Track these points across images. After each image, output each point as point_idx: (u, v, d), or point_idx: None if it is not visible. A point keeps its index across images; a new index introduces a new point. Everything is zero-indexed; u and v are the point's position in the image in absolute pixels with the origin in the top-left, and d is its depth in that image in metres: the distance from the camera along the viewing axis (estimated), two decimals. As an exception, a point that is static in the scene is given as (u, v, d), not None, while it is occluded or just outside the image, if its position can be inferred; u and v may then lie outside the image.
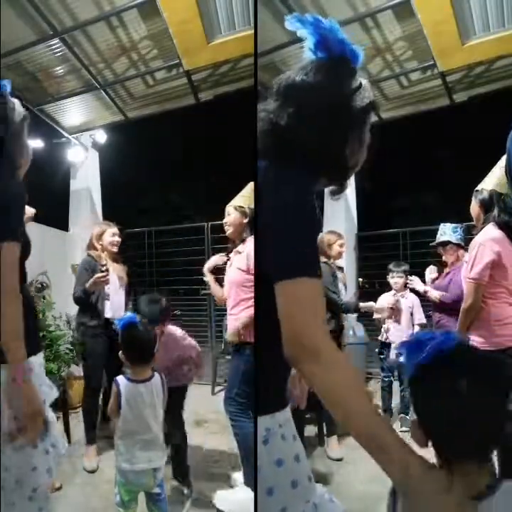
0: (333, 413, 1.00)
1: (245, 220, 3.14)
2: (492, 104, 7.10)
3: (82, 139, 6.79)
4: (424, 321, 4.36)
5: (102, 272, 3.55)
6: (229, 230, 3.20)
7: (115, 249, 3.82)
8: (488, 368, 0.94)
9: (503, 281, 2.48)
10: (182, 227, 7.72)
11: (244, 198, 3.20)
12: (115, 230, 3.84)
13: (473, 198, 2.68)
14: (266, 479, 1.13)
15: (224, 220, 3.23)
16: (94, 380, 3.71)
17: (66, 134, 6.67)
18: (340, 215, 6.90)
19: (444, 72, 5.40)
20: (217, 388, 5.72)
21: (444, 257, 4.07)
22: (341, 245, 4.01)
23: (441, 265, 4.16)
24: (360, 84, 1.16)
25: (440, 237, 4.06)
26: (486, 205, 2.57)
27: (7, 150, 1.64)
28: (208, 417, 4.61)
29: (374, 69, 5.63)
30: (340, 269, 4.16)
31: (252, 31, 4.68)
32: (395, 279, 4.41)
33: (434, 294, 3.86)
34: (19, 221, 1.59)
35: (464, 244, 3.93)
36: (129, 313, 3.85)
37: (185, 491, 3.04)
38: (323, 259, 3.79)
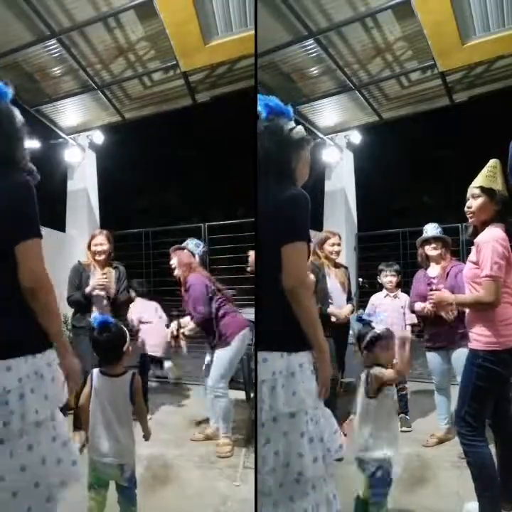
0: (306, 322, 1.82)
1: None
2: (492, 104, 7.10)
3: (79, 139, 6.76)
4: (415, 320, 4.27)
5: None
6: None
7: (97, 257, 3.95)
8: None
9: (507, 281, 2.45)
10: (179, 228, 7.67)
11: None
12: (99, 239, 3.95)
13: (480, 192, 2.50)
14: (311, 391, 1.88)
15: None
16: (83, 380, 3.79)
17: (63, 135, 6.64)
18: (340, 216, 6.89)
19: (444, 72, 5.37)
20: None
21: (429, 252, 3.97)
22: (333, 244, 3.95)
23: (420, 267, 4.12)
24: (295, 126, 1.97)
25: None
26: (504, 203, 2.47)
27: (16, 155, 1.78)
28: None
29: (374, 69, 5.61)
30: (342, 267, 4.11)
31: (249, 32, 4.64)
32: (388, 277, 4.33)
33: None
34: (38, 218, 1.79)
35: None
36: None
37: None
38: (311, 258, 3.73)
